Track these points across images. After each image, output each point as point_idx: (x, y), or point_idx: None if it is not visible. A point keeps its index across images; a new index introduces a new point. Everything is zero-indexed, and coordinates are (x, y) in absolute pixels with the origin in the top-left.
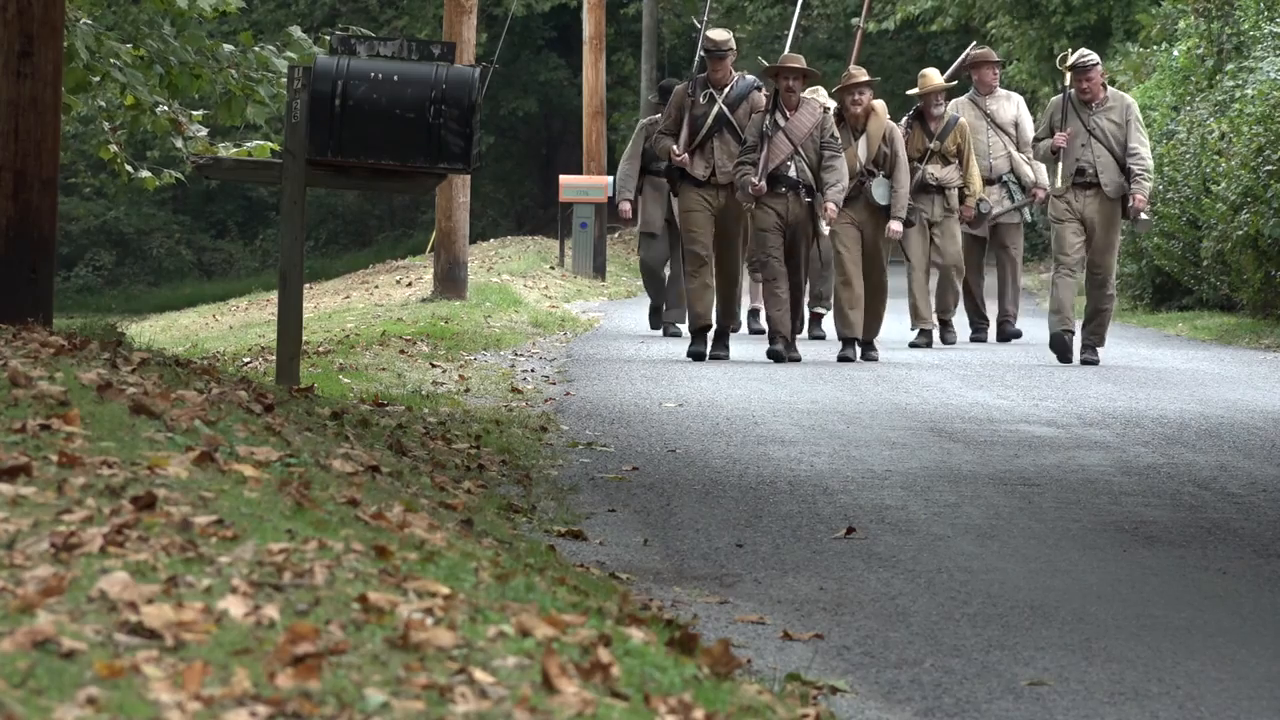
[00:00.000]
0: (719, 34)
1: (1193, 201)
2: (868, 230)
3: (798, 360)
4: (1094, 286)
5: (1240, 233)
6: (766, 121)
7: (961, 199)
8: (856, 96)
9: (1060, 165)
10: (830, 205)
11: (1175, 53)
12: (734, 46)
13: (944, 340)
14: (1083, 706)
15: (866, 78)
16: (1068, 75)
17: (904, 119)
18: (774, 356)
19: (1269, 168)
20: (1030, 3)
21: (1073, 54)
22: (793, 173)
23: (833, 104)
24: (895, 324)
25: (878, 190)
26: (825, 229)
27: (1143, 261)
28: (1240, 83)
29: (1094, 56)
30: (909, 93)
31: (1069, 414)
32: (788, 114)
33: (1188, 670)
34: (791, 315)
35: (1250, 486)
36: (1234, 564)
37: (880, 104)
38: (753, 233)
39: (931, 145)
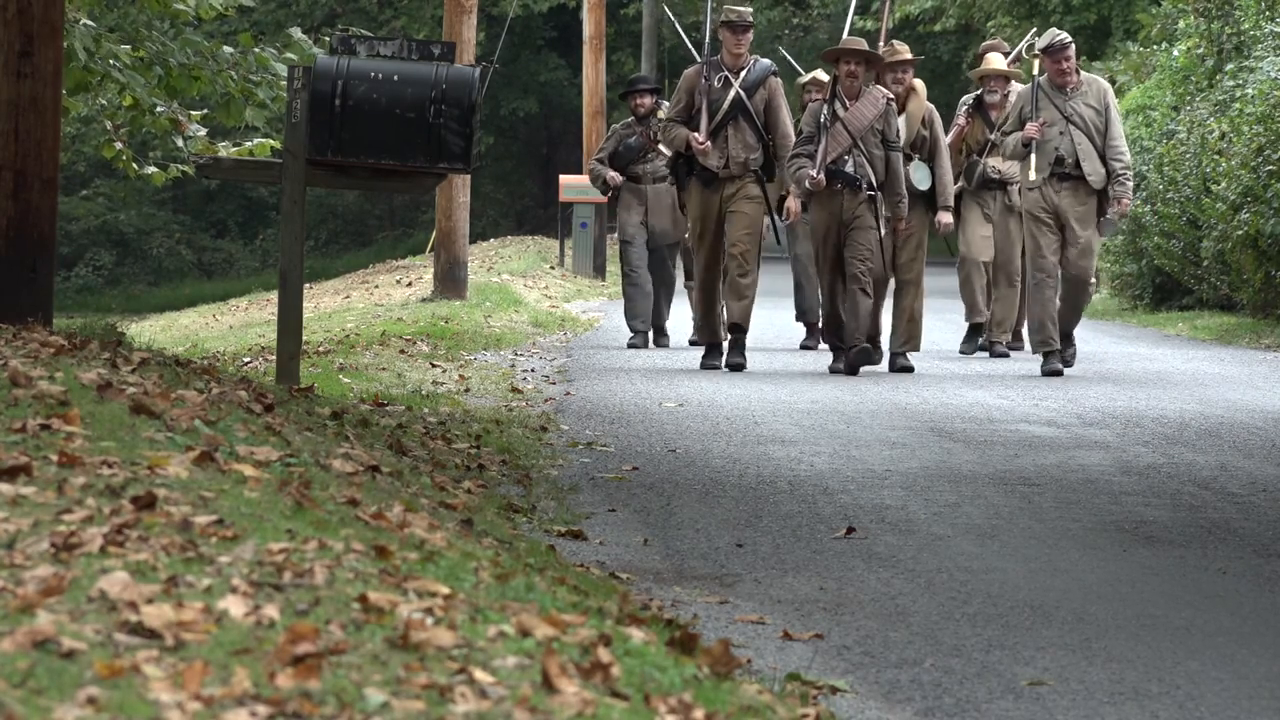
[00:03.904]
0: (741, 8)
1: (1193, 201)
2: (905, 219)
3: (875, 363)
4: (1072, 286)
5: (1240, 233)
6: (824, 111)
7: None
8: (899, 75)
9: (1034, 157)
10: (901, 227)
11: (1175, 53)
12: (753, 23)
13: (991, 351)
14: (1083, 706)
15: (909, 55)
16: (1035, 63)
17: (963, 107)
18: (835, 371)
19: (1269, 168)
20: (1030, 2)
21: (1036, 38)
22: (850, 167)
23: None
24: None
25: (917, 174)
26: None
27: (1143, 261)
28: (1240, 83)
29: (1066, 36)
30: (969, 74)
31: (1069, 414)
32: (847, 103)
33: (1188, 670)
34: (855, 318)
35: (1250, 486)
36: (1234, 564)
37: (920, 84)
38: (811, 242)
39: (992, 137)
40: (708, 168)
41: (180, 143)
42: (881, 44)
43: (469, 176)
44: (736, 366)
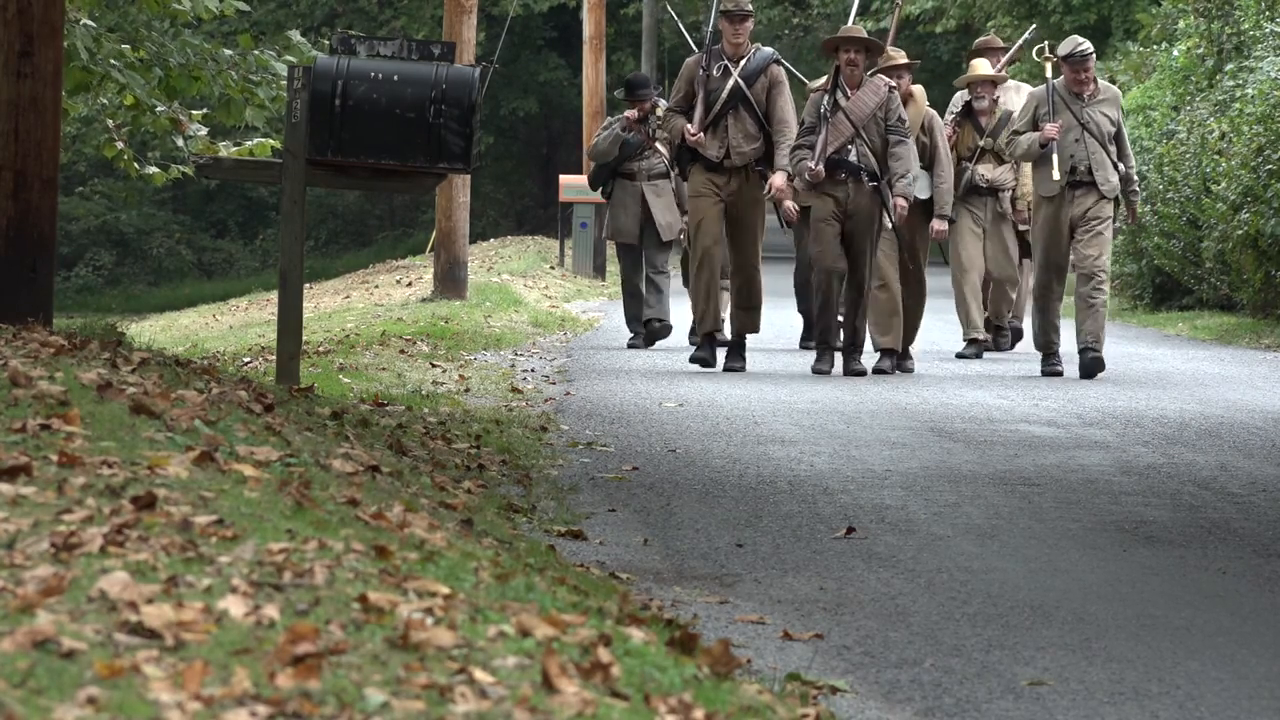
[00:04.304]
0: None
1: (1193, 201)
2: (903, 227)
3: (862, 373)
4: (1082, 281)
5: (1240, 233)
6: (825, 101)
7: (1014, 202)
8: (896, 79)
9: (1055, 159)
10: (901, 201)
11: (1175, 53)
12: (752, 11)
13: (997, 348)
14: (1083, 706)
15: (905, 60)
16: (1048, 66)
17: (951, 116)
18: (818, 372)
19: (1269, 168)
20: (1030, 3)
21: (1047, 47)
22: (853, 156)
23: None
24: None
25: (916, 184)
26: (888, 223)
27: (1143, 261)
28: (1240, 83)
29: (1088, 45)
30: (955, 83)
31: (1069, 414)
32: (849, 92)
33: (1188, 670)
34: (854, 318)
35: (1250, 486)
36: (1234, 564)
37: (919, 89)
38: (811, 226)
39: (982, 143)
40: (709, 157)
41: (181, 142)
42: (887, 47)
43: (469, 176)
44: (734, 369)
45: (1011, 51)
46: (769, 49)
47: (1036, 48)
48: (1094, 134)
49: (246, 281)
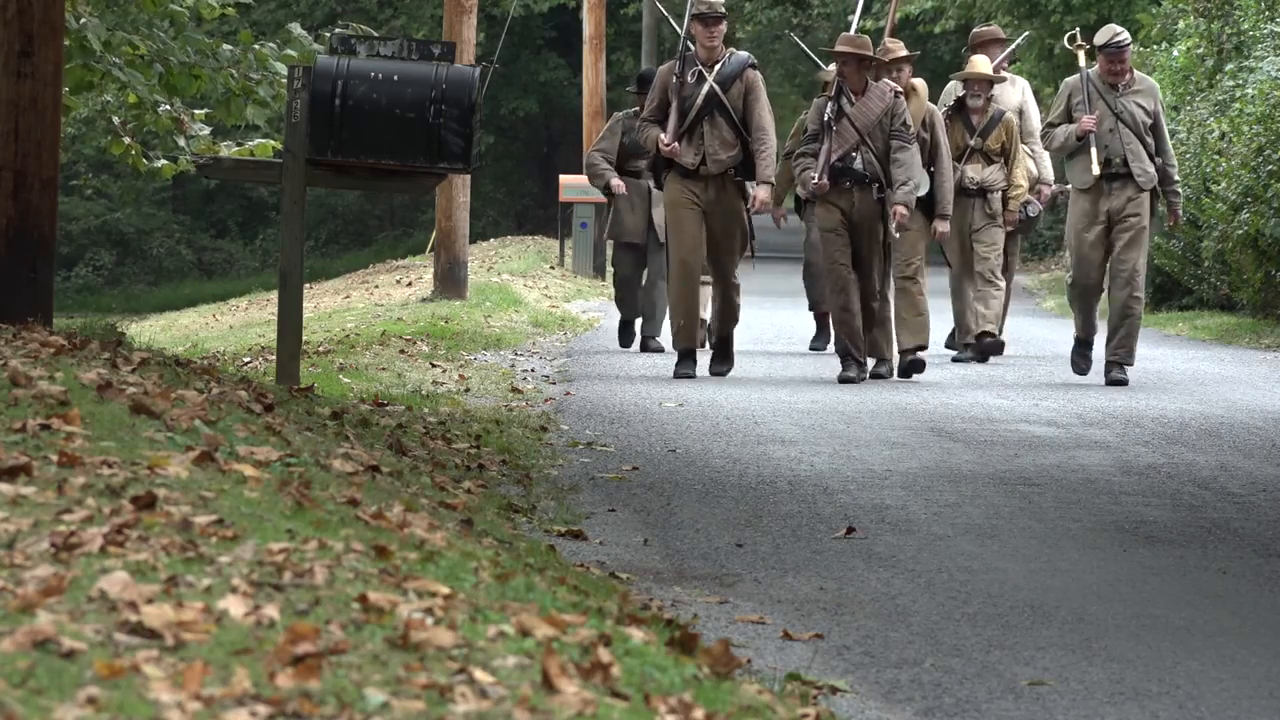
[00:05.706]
0: None
1: (1193, 201)
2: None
3: (860, 380)
4: (1119, 285)
5: (1240, 233)
6: (830, 108)
7: (1004, 203)
8: (894, 74)
9: (1093, 150)
10: (900, 209)
11: (1175, 53)
12: (726, 14)
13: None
14: (1083, 706)
15: (905, 52)
16: (1081, 55)
17: (943, 110)
18: (844, 381)
19: (1269, 168)
20: (1030, 2)
21: (1079, 34)
22: (858, 164)
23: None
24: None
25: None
26: (895, 234)
27: None
28: (1240, 83)
29: (1126, 35)
30: (952, 77)
31: (1069, 414)
32: (853, 98)
33: (1188, 670)
34: (865, 327)
35: (1250, 486)
36: (1234, 564)
37: (920, 83)
38: (820, 238)
39: (972, 143)
40: (684, 165)
41: (183, 142)
42: (887, 38)
43: (469, 176)
44: (719, 374)
45: (1006, 52)
46: (744, 53)
47: (1068, 35)
48: (1129, 124)
49: (246, 281)
